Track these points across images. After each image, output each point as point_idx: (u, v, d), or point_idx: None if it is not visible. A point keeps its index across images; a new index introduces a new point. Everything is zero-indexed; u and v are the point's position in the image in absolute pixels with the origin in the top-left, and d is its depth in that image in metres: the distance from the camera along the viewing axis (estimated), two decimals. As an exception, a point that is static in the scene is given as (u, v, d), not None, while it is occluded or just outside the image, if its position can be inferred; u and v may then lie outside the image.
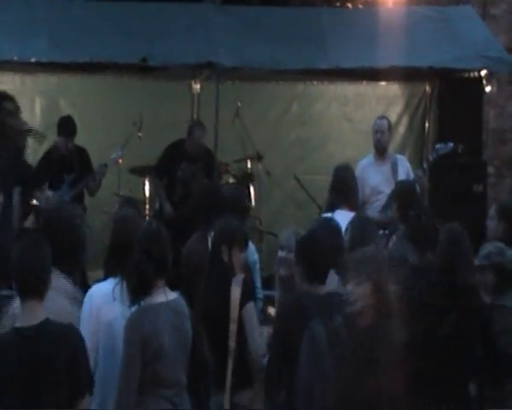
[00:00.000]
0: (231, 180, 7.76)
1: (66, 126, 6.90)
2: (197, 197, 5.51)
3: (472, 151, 7.96)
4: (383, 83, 8.39)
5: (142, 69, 7.33)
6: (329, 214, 5.35)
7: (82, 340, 3.21)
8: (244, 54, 7.20)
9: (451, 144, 6.89)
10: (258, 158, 7.77)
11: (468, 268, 4.19)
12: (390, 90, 8.46)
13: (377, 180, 6.75)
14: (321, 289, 3.93)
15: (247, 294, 4.15)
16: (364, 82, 8.29)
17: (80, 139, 7.04)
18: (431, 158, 6.86)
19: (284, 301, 3.87)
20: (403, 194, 5.52)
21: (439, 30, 7.80)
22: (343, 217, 5.07)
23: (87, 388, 3.16)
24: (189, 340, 3.63)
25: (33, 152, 7.61)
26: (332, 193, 5.72)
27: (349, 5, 12.36)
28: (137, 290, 3.53)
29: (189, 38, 7.24)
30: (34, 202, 6.16)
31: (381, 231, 5.45)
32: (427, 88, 8.41)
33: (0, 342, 3.13)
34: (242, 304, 4.08)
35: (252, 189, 7.76)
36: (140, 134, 7.40)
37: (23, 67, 7.36)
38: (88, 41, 7.08)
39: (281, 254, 4.59)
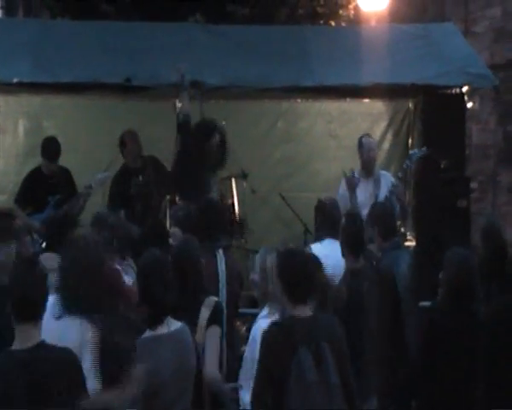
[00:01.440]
0: (216, 198, 7.73)
1: (50, 148, 6.87)
2: (199, 214, 5.24)
3: (455, 166, 8.01)
4: (367, 100, 8.42)
5: (126, 89, 7.29)
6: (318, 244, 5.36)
7: (78, 361, 3.22)
8: (228, 72, 7.21)
9: (425, 148, 6.95)
10: (243, 176, 7.76)
11: None
12: (374, 107, 8.50)
13: (362, 197, 6.79)
14: (306, 311, 3.80)
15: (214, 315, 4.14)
16: (348, 99, 8.32)
17: (64, 160, 7.01)
18: (405, 166, 6.92)
19: (269, 327, 3.73)
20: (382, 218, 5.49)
21: (422, 47, 7.86)
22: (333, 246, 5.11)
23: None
24: (194, 370, 3.58)
25: (18, 173, 7.65)
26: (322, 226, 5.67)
27: (332, 23, 12.49)
28: (153, 320, 3.48)
29: (173, 58, 7.22)
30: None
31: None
32: (411, 104, 8.46)
33: None
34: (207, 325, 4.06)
35: (236, 207, 7.74)
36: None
37: (6, 87, 7.31)
38: (71, 61, 7.07)
39: (252, 276, 4.54)
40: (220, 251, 4.75)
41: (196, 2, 10.57)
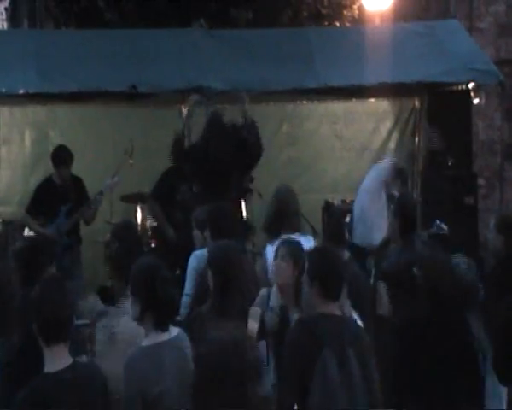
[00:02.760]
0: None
1: (64, 153, 6.90)
2: (214, 218, 5.14)
3: (462, 163, 8.00)
4: (372, 100, 8.42)
5: (132, 96, 7.32)
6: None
7: (106, 378, 3.21)
8: (233, 77, 7.21)
9: None
10: (250, 180, 7.75)
11: None
12: (379, 106, 8.50)
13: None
14: (336, 308, 3.70)
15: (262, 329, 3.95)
16: (354, 99, 8.32)
17: (71, 169, 7.02)
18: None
19: (296, 326, 3.65)
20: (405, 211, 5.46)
21: (427, 45, 7.84)
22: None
23: None
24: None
25: (25, 183, 7.67)
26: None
27: (337, 24, 12.49)
28: (159, 327, 3.43)
29: (178, 64, 7.25)
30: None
31: None
32: (417, 103, 8.45)
33: (35, 389, 3.03)
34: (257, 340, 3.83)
35: (244, 211, 7.74)
36: (131, 161, 7.38)
37: (11, 98, 7.35)
38: (76, 70, 7.07)
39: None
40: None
41: (200, 7, 10.61)
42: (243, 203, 7.61)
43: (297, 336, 3.64)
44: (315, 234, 7.28)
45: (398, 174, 6.96)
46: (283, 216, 5.51)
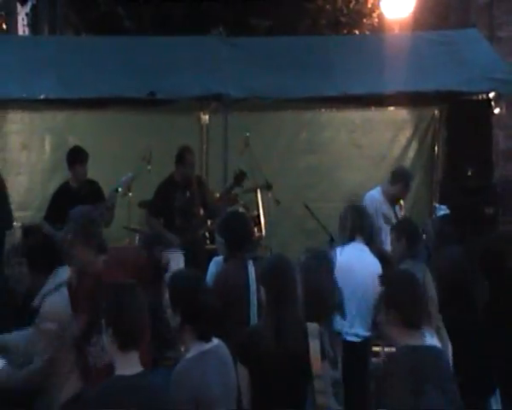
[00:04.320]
0: (241, 210, 7.74)
1: (78, 151, 6.93)
2: (227, 224, 5.04)
3: (482, 173, 7.93)
4: (391, 108, 8.39)
5: (150, 103, 7.34)
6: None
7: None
8: (252, 84, 7.22)
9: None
10: (267, 187, 7.75)
11: None
12: (398, 115, 8.46)
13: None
14: (419, 339, 3.40)
15: (324, 349, 3.70)
16: (372, 108, 8.29)
17: (89, 175, 7.04)
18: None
19: (388, 362, 3.39)
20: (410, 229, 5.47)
21: (446, 54, 7.80)
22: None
23: None
24: (236, 391, 3.47)
25: (43, 188, 7.71)
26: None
27: (356, 32, 12.48)
28: (203, 336, 3.38)
29: (197, 71, 7.26)
30: None
31: None
32: (436, 112, 8.40)
33: (107, 388, 3.03)
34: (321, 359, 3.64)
35: (262, 218, 7.74)
36: (149, 167, 7.41)
37: (31, 104, 7.41)
38: (95, 77, 7.11)
39: None
40: (250, 261, 4.71)
41: (219, 15, 10.64)
42: (261, 211, 7.65)
43: (389, 371, 3.34)
44: (332, 242, 7.27)
45: (398, 177, 6.93)
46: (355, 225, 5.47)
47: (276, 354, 3.53)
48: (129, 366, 3.03)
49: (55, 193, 7.01)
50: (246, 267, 4.61)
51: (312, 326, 3.63)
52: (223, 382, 3.34)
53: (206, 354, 3.34)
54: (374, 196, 6.87)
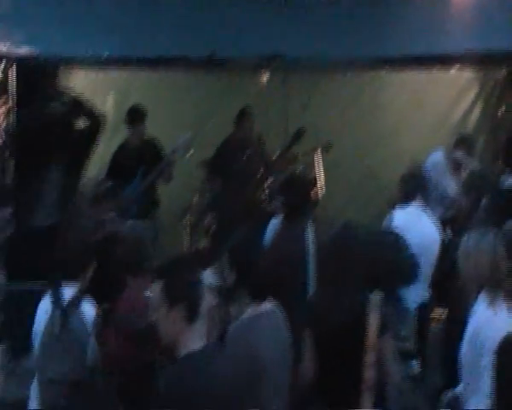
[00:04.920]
0: (300, 171, 7.73)
1: (135, 112, 7.02)
2: (286, 185, 5.06)
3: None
4: (455, 69, 8.19)
5: (211, 63, 7.35)
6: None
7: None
8: (312, 44, 7.15)
9: None
10: (326, 149, 7.72)
11: None
12: (462, 76, 8.26)
13: None
14: None
15: (385, 321, 3.59)
16: (436, 68, 8.11)
17: (150, 133, 7.13)
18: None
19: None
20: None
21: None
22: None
23: None
24: (290, 354, 3.43)
25: (105, 149, 7.86)
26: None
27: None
28: (257, 298, 3.36)
29: (257, 31, 7.23)
30: None
31: None
32: (503, 72, 8.16)
33: (183, 364, 2.89)
34: (381, 332, 3.54)
35: (321, 179, 7.71)
36: (209, 127, 7.47)
37: (95, 63, 7.50)
38: (157, 36, 7.15)
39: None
40: (309, 223, 4.72)
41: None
42: (319, 173, 7.63)
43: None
44: (391, 205, 7.21)
45: (463, 142, 6.79)
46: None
47: (336, 324, 3.50)
48: (195, 338, 2.93)
49: (115, 153, 7.14)
50: (304, 229, 4.63)
51: (375, 297, 3.57)
52: (276, 344, 3.34)
53: (261, 316, 3.35)
54: (436, 160, 6.76)
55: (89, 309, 3.62)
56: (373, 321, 3.49)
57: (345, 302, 3.53)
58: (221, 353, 2.96)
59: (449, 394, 3.61)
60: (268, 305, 3.42)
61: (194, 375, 2.78)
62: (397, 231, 4.72)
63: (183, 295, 2.85)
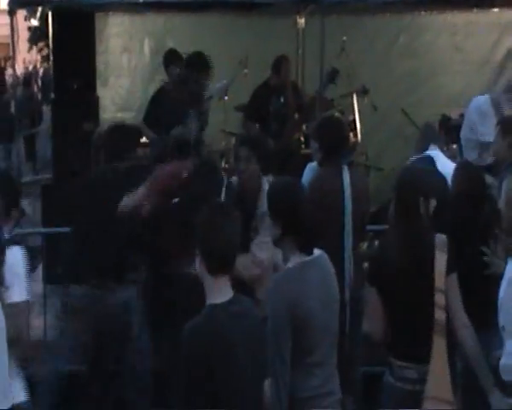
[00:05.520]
0: (337, 114, 7.71)
1: (172, 55, 6.98)
2: (323, 129, 4.93)
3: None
4: (496, 9, 8.03)
5: (247, 6, 7.32)
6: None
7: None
8: (349, -14, 7.07)
9: None
10: (364, 92, 7.67)
11: None
12: (503, 16, 8.10)
13: None
14: None
15: (452, 261, 3.49)
16: (475, 9, 7.96)
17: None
18: None
19: None
20: None
21: None
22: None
23: None
24: (338, 305, 3.36)
25: (144, 91, 7.90)
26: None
27: None
28: (304, 246, 3.29)
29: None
30: None
31: None
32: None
33: (205, 319, 2.89)
34: (447, 273, 3.45)
35: (358, 123, 7.70)
36: (246, 71, 7.46)
37: (132, 7, 7.51)
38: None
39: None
40: (345, 167, 4.71)
41: None
42: (357, 116, 7.60)
43: None
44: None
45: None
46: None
47: (407, 267, 3.43)
48: (218, 292, 2.92)
49: (152, 98, 7.17)
50: (341, 173, 4.62)
51: (441, 238, 3.50)
52: (322, 294, 3.27)
53: (307, 265, 3.27)
54: (480, 104, 6.61)
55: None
56: (440, 261, 3.45)
57: (416, 243, 3.48)
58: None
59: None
60: (314, 254, 3.35)
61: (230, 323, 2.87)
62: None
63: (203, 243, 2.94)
